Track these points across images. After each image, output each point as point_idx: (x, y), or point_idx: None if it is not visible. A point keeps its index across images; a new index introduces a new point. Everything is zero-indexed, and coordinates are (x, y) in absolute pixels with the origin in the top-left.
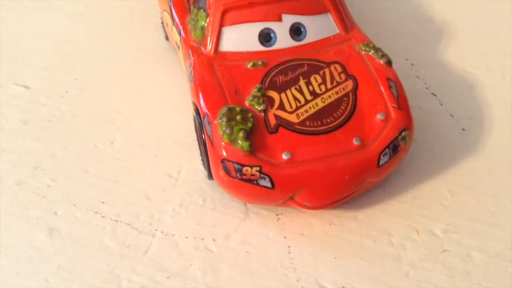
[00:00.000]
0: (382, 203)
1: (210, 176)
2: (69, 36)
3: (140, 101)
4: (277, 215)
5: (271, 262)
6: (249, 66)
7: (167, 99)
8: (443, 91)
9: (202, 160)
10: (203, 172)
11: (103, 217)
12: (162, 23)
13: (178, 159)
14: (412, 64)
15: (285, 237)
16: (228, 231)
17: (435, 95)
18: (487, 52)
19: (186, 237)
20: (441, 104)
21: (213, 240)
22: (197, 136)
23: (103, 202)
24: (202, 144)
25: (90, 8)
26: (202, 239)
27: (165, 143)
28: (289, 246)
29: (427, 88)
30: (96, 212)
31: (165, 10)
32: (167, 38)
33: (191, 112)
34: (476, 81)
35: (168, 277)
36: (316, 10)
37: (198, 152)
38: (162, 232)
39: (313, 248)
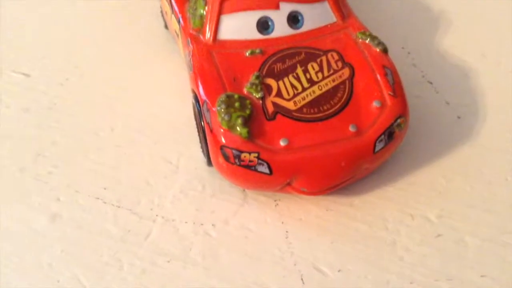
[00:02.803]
0: (378, 189)
1: (209, 163)
2: (69, 24)
3: (140, 88)
4: (275, 201)
5: (269, 246)
6: (247, 54)
7: (167, 86)
8: (439, 79)
9: (202, 147)
10: (202, 159)
11: (105, 202)
12: (162, 11)
13: (178, 146)
14: (409, 53)
15: (282, 223)
16: (227, 217)
17: (431, 83)
18: (483, 40)
19: (186, 222)
20: (437, 92)
21: (212, 225)
22: (196, 123)
23: (105, 188)
24: (201, 131)
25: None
26: (202, 224)
27: (165, 130)
28: (286, 231)
29: (423, 76)
30: (98, 198)
31: None
32: (166, 26)
33: (190, 100)
34: (472, 69)
35: (168, 261)
36: None
37: (197, 139)
38: (163, 217)
39: (310, 233)
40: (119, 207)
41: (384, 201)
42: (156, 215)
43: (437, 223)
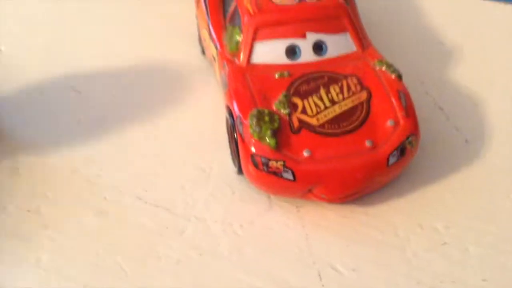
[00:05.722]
0: (391, 201)
1: (239, 171)
2: (116, 49)
3: (179, 106)
4: (297, 207)
5: (290, 246)
6: (276, 76)
7: (202, 104)
8: (450, 106)
9: (232, 157)
10: (232, 168)
11: (145, 202)
12: (200, 39)
13: (211, 156)
14: (422, 82)
15: (303, 226)
16: (253, 219)
17: (442, 109)
18: (490, 70)
19: (216, 221)
20: (447, 118)
21: (240, 225)
22: (229, 136)
23: (146, 190)
24: (234, 142)
25: (134, 27)
26: (230, 224)
27: (199, 142)
28: (306, 234)
29: (435, 103)
30: (140, 198)
31: (204, 28)
32: (203, 52)
33: (221, 116)
34: (481, 97)
35: (200, 254)
36: (336, 29)
37: (228, 151)
38: (196, 217)
39: (328, 237)
40: (157, 206)
41: (396, 212)
42: (190, 215)
43: (444, 233)
